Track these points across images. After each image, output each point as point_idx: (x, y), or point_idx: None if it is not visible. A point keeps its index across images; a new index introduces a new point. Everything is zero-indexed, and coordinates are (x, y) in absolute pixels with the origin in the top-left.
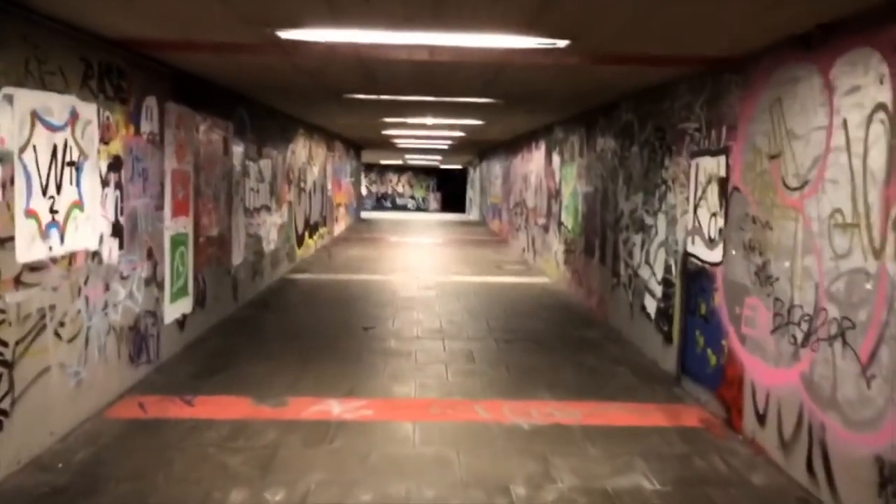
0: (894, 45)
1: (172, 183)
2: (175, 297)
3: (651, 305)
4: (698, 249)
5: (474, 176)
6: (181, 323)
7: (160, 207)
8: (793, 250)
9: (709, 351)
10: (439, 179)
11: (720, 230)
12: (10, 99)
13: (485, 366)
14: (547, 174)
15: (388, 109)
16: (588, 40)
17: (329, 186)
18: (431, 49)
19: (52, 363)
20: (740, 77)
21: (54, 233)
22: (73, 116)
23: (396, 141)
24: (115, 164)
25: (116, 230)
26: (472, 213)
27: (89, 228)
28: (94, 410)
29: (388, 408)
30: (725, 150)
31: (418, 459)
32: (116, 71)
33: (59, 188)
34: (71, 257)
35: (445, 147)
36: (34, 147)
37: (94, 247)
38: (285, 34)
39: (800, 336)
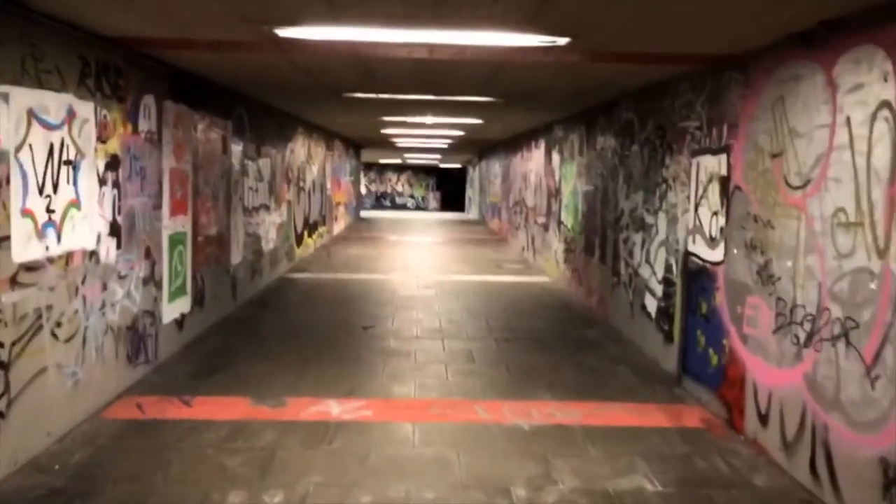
0: None
1: (171, 182)
2: (173, 296)
3: (651, 305)
4: (699, 248)
5: (473, 175)
6: (180, 322)
7: (158, 206)
8: (795, 249)
9: (710, 350)
10: (439, 178)
11: (721, 229)
12: (5, 97)
13: (485, 365)
14: (546, 173)
15: (387, 108)
16: (588, 38)
17: (328, 185)
18: (431, 47)
19: (49, 364)
20: (742, 75)
21: (51, 232)
22: (70, 115)
23: (396, 140)
24: (113, 163)
25: (114, 229)
26: (472, 212)
27: (86, 228)
28: (91, 411)
29: (387, 408)
30: (727, 149)
31: (418, 460)
32: (114, 69)
33: (55, 187)
34: (68, 257)
35: (445, 146)
36: (30, 146)
37: (91, 246)
38: (284, 32)
39: (802, 336)
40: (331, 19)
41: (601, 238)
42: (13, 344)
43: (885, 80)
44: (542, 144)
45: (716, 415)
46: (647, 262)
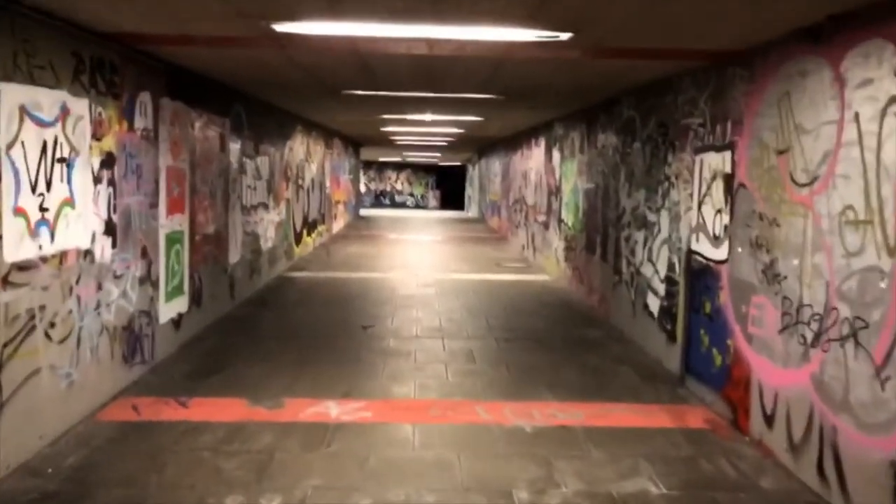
0: None
1: (167, 180)
2: (170, 295)
3: (654, 304)
4: (703, 247)
5: (473, 173)
6: (177, 322)
7: (155, 205)
8: (802, 248)
9: (714, 350)
10: (438, 176)
11: (725, 227)
12: None
13: (485, 365)
14: (547, 171)
15: (386, 106)
16: (590, 33)
17: (327, 183)
18: (431, 43)
19: (43, 365)
20: (746, 71)
21: (44, 231)
22: (64, 112)
23: (395, 138)
24: (108, 161)
25: (109, 228)
26: (471, 211)
27: (81, 226)
28: (86, 413)
29: (387, 409)
30: (731, 146)
31: (418, 463)
32: (109, 66)
33: (49, 185)
34: (62, 256)
35: (444, 144)
36: (22, 143)
37: (85, 245)
38: (282, 27)
39: (809, 336)
40: (330, 14)
41: (602, 236)
42: (5, 345)
43: (895, 74)
44: (543, 142)
45: (720, 415)
46: (650, 260)
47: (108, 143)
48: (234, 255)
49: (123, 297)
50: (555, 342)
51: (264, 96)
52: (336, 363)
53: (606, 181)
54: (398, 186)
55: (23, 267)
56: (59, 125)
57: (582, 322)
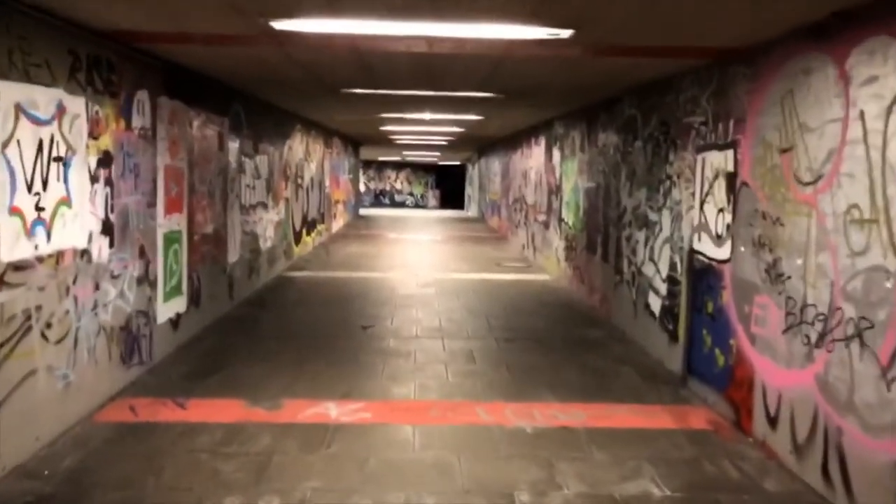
0: None
1: (165, 179)
2: (169, 295)
3: (655, 303)
4: (705, 246)
5: (473, 172)
6: (175, 322)
7: (152, 204)
8: (805, 247)
9: (716, 350)
10: (438, 176)
11: (728, 226)
12: None
13: (486, 366)
14: (547, 170)
15: (386, 104)
16: (591, 30)
17: (327, 183)
18: (430, 40)
19: (39, 366)
20: (749, 69)
21: (40, 231)
22: (60, 110)
23: (395, 137)
24: (105, 160)
25: (107, 228)
26: (471, 210)
27: (78, 226)
28: (83, 414)
29: (386, 410)
30: (733, 144)
31: (418, 465)
32: (106, 64)
33: (45, 184)
34: (58, 256)
35: (444, 143)
36: (18, 141)
37: (82, 245)
38: (280, 25)
39: (814, 336)
40: (328, 11)
41: (603, 235)
42: (1, 346)
43: None
44: (543, 141)
45: (723, 416)
46: (651, 260)
47: (106, 141)
48: (233, 255)
49: (121, 297)
50: (555, 342)
51: (263, 95)
52: (335, 364)
53: (607, 180)
54: (398, 186)
55: (19, 267)
56: (55, 123)
57: (583, 322)
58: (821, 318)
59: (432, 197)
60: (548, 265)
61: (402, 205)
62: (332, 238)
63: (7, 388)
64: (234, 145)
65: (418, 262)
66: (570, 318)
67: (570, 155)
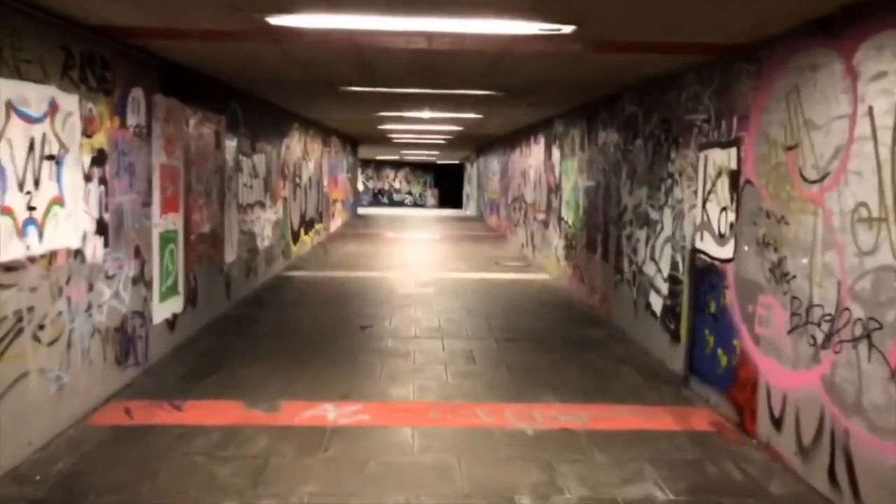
0: None
1: (161, 178)
2: (165, 296)
3: (657, 303)
4: (707, 245)
5: (471, 171)
6: (171, 323)
7: (148, 203)
8: (811, 246)
9: (719, 351)
10: (436, 175)
11: (731, 225)
12: None
13: (485, 366)
14: (546, 169)
15: (384, 103)
16: (593, 26)
17: (325, 182)
18: (430, 36)
19: (31, 368)
20: (753, 65)
21: (32, 230)
22: (53, 108)
23: (393, 136)
24: (99, 159)
25: (101, 227)
26: (470, 209)
27: (71, 226)
28: (77, 417)
29: (385, 412)
30: (737, 142)
31: (417, 468)
32: (100, 61)
33: (37, 183)
34: (51, 256)
35: (443, 142)
36: (9, 140)
37: (76, 245)
38: (277, 20)
39: (820, 337)
40: (326, 6)
41: (604, 234)
42: None
43: None
44: (542, 140)
45: (726, 417)
46: (652, 259)
47: (100, 140)
48: (230, 255)
49: (116, 297)
50: (556, 342)
51: (261, 93)
52: (333, 364)
53: (608, 179)
54: (396, 185)
55: (10, 267)
56: (47, 121)
57: (583, 322)
58: (827, 318)
59: (431, 196)
60: (547, 264)
61: (400, 204)
62: (330, 237)
63: None
64: (231, 144)
65: (417, 261)
66: (570, 317)
67: (570, 153)
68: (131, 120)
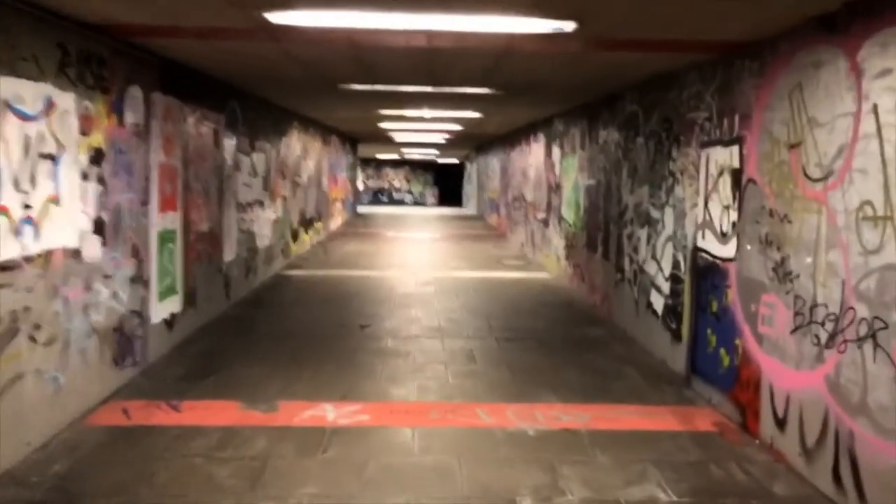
0: None
1: (159, 177)
2: (163, 295)
3: (658, 302)
4: (709, 244)
5: (471, 170)
6: (169, 323)
7: (146, 203)
8: (815, 245)
9: (721, 350)
10: (436, 174)
11: (733, 224)
12: None
13: (486, 366)
14: (546, 167)
15: (384, 101)
16: (594, 23)
17: (324, 181)
18: (430, 34)
19: (27, 369)
20: (755, 63)
21: (28, 230)
22: (49, 106)
23: (393, 135)
24: (97, 157)
25: (98, 227)
26: (470, 208)
27: (68, 225)
28: (74, 418)
29: (385, 412)
30: (739, 140)
31: (418, 469)
32: (97, 59)
33: (33, 182)
34: (47, 255)
35: (443, 141)
36: (5, 138)
37: (73, 244)
38: (276, 18)
39: (824, 336)
40: (325, 3)
41: (604, 233)
42: None
43: None
44: (542, 139)
45: (728, 418)
46: (654, 258)
47: (97, 138)
48: (229, 254)
49: (113, 297)
50: (556, 342)
51: (260, 92)
52: (333, 364)
53: (608, 177)
54: (396, 184)
55: (5, 267)
56: (43, 119)
57: (584, 321)
58: (831, 318)
59: (431, 195)
60: (547, 263)
61: (400, 203)
62: (330, 236)
63: None
64: (230, 143)
65: (417, 260)
66: (570, 316)
67: (571, 152)
68: (129, 118)
